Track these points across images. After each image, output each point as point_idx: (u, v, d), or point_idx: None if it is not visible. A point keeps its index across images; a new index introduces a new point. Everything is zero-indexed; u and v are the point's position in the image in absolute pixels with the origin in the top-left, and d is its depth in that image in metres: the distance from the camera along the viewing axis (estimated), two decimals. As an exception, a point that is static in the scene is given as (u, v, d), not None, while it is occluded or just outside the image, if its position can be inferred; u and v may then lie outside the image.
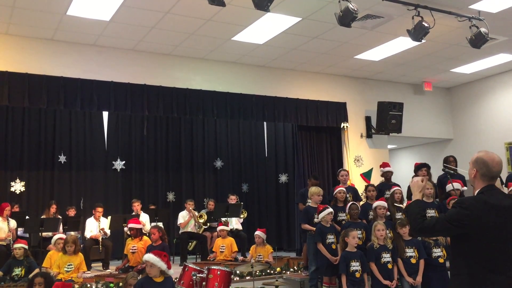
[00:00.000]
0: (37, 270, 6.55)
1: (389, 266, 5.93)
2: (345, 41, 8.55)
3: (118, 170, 10.77)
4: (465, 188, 7.46)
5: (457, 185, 6.95)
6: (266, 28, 7.83)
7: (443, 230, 2.90)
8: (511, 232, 2.76)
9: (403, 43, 8.68)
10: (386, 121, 10.29)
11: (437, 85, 11.88)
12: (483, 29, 7.17)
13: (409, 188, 7.87)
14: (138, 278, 5.61)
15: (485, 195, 2.83)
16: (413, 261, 6.01)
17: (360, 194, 7.97)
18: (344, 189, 7.20)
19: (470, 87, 11.77)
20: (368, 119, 10.78)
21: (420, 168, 7.74)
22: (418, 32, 6.95)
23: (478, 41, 7.30)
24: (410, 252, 6.03)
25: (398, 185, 7.53)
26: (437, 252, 6.00)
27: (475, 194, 2.91)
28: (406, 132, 10.87)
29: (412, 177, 3.28)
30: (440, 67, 10.39)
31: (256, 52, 8.96)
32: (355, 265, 5.90)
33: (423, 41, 7.34)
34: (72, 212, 8.96)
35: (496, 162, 2.88)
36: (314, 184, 7.66)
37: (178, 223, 9.27)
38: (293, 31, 7.98)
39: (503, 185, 7.33)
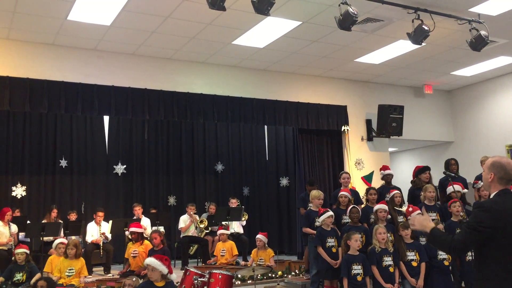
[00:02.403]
0: (38, 275, 6.55)
1: (391, 269, 5.91)
2: (345, 44, 8.56)
3: (119, 174, 10.78)
4: (465, 190, 7.45)
5: (457, 187, 6.93)
6: (266, 32, 7.85)
7: (472, 240, 2.84)
8: None
9: (403, 46, 8.69)
10: (387, 124, 10.30)
11: (438, 88, 11.88)
12: (483, 32, 7.18)
13: (409, 192, 7.86)
14: (134, 280, 5.60)
15: (502, 197, 2.88)
16: (414, 264, 5.99)
17: (361, 197, 7.96)
18: (347, 194, 7.17)
19: (470, 90, 11.78)
20: (368, 122, 10.78)
21: (424, 171, 7.72)
22: (418, 35, 6.96)
23: (478, 44, 7.31)
24: (411, 255, 6.02)
25: (398, 188, 7.51)
26: (443, 254, 5.96)
27: (492, 197, 2.96)
28: (407, 135, 10.87)
29: (407, 219, 3.28)
30: (441, 69, 10.40)
31: (256, 55, 8.97)
32: (357, 269, 5.88)
33: (423, 44, 7.36)
34: (73, 217, 8.97)
35: None
36: (311, 189, 7.63)
37: (179, 227, 9.27)
38: (293, 34, 7.99)
39: None
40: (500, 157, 3.00)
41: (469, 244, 2.89)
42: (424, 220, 3.09)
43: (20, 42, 7.85)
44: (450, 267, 6.04)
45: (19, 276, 6.64)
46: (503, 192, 2.90)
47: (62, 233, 8.08)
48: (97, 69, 8.30)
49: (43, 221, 8.51)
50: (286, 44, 8.45)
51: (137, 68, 8.66)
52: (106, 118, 10.78)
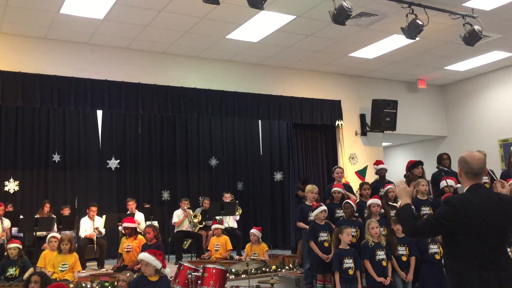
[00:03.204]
0: (31, 270, 6.53)
1: (384, 263, 5.95)
2: (339, 39, 8.55)
3: (113, 169, 10.74)
4: (458, 185, 7.47)
5: (450, 181, 6.97)
6: (260, 26, 7.82)
7: (433, 230, 2.94)
8: (498, 229, 2.82)
9: (397, 41, 8.70)
10: (381, 118, 10.32)
11: (431, 83, 11.91)
12: (476, 27, 7.19)
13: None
14: (128, 275, 5.59)
15: (472, 193, 2.92)
16: (404, 258, 6.06)
17: (355, 192, 7.98)
18: (341, 189, 7.18)
19: (464, 85, 11.81)
20: (362, 117, 10.80)
21: (417, 166, 7.75)
22: (412, 30, 6.97)
23: (471, 39, 7.33)
24: (401, 250, 6.07)
25: (392, 183, 7.54)
26: (434, 248, 6.01)
27: (463, 192, 3.01)
28: (401, 129, 10.89)
29: (397, 181, 3.32)
30: (434, 64, 10.42)
31: (250, 50, 8.95)
32: (348, 262, 5.91)
33: (417, 38, 7.36)
34: (66, 211, 8.94)
35: (475, 159, 2.96)
36: (304, 188, 7.62)
37: (173, 221, 9.27)
38: (287, 29, 7.97)
39: (493, 182, 7.34)
40: (469, 152, 3.03)
41: (427, 232, 3.00)
42: (404, 192, 3.13)
43: (12, 36, 7.78)
44: (443, 261, 6.08)
45: (12, 271, 6.62)
46: (474, 187, 2.93)
47: (55, 228, 8.06)
48: (90, 63, 8.25)
49: (36, 216, 8.47)
50: (280, 39, 8.43)
51: (131, 62, 8.62)
52: (99, 113, 10.73)
